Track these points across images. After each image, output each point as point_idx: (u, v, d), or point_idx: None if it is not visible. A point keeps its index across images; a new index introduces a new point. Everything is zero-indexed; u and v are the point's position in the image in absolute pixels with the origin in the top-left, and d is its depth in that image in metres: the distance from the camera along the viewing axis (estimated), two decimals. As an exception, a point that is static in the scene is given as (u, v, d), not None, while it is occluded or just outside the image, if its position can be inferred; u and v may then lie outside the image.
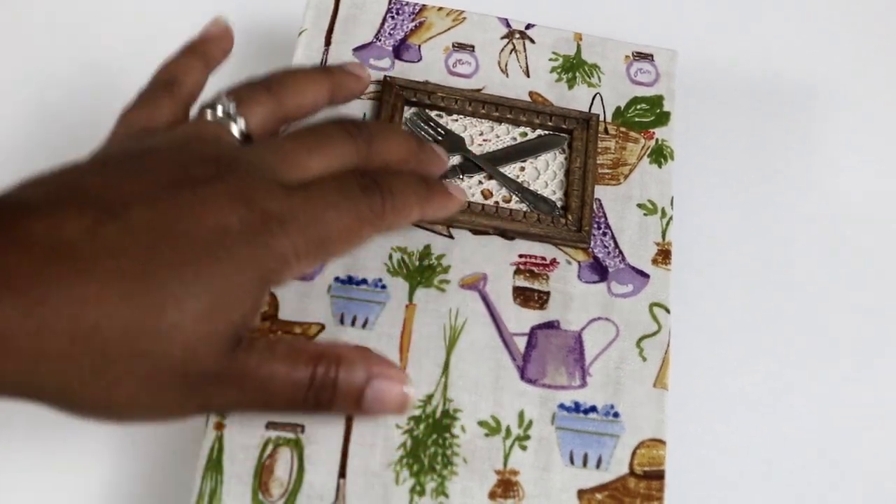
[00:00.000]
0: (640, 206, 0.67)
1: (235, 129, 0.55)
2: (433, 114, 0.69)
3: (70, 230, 0.44)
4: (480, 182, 0.67)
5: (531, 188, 0.67)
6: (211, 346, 0.47)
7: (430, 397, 0.60)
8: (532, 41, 0.72)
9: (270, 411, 0.52)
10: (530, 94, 0.70)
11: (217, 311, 0.47)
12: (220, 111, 0.55)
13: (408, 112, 0.69)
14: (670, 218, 0.67)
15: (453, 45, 0.71)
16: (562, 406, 0.60)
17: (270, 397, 0.51)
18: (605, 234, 0.66)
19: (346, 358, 0.53)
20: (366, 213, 0.53)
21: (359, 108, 0.68)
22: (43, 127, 0.75)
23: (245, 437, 0.57)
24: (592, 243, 0.65)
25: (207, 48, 0.61)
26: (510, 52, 0.72)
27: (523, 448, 0.59)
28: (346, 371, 0.53)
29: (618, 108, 0.70)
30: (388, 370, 0.54)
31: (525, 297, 0.63)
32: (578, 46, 0.73)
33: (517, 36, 0.72)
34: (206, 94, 0.62)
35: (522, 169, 0.68)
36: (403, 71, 0.70)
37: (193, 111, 0.57)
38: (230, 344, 0.48)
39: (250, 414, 0.56)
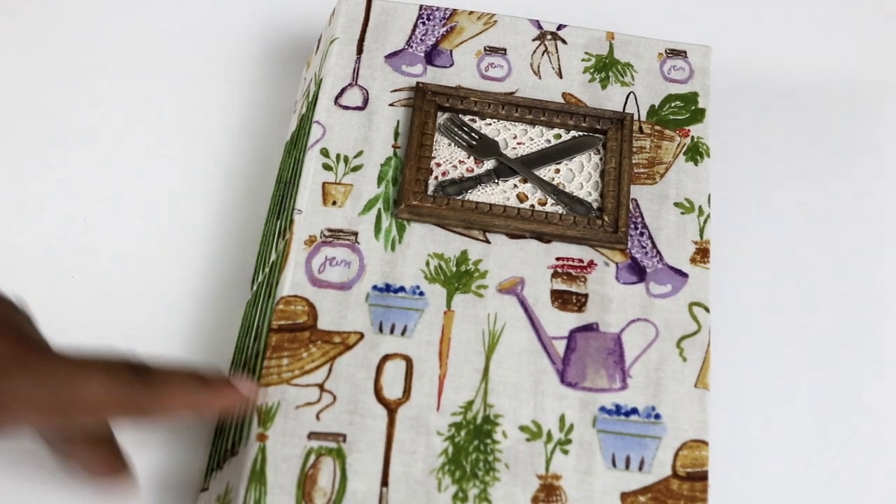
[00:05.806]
0: (676, 204, 0.67)
1: None
2: (466, 118, 0.69)
3: None
4: (515, 186, 0.67)
5: (566, 190, 0.67)
6: None
7: (470, 403, 0.60)
8: (564, 42, 0.72)
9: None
10: (563, 95, 0.70)
11: None
12: None
13: (441, 118, 0.69)
14: (708, 216, 0.67)
15: (485, 49, 0.71)
16: (603, 409, 0.60)
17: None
18: (642, 234, 0.66)
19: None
20: (123, 393, 0.54)
21: (392, 116, 0.68)
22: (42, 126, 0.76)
23: (287, 447, 0.58)
24: (629, 244, 0.65)
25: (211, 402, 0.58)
26: (542, 54, 0.71)
27: (565, 452, 0.59)
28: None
29: (652, 107, 0.70)
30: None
31: (563, 300, 0.63)
32: (611, 45, 0.72)
33: (549, 37, 0.72)
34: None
35: (557, 171, 0.68)
36: (436, 76, 0.70)
37: None
38: None
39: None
